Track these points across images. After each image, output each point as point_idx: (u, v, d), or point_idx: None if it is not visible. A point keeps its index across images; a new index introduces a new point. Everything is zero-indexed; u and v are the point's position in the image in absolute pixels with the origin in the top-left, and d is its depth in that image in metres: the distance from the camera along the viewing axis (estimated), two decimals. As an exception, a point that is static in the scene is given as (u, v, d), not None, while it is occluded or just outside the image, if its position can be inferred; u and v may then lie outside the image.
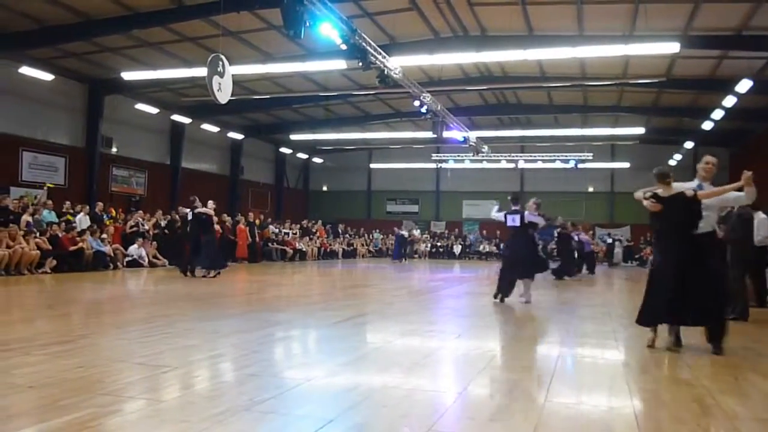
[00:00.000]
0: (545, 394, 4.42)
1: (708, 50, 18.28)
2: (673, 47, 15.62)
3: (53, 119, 21.71)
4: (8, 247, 13.94)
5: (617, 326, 8.12)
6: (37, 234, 15.24)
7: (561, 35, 17.52)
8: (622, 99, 25.34)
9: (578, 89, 24.07)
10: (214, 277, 14.62)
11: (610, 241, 29.79)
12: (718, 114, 21.83)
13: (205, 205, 15.21)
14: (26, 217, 15.74)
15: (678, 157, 31.18)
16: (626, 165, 33.16)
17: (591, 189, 34.93)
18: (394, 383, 4.64)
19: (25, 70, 19.02)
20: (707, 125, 23.81)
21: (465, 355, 6.16)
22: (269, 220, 28.66)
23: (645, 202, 6.61)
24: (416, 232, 36.35)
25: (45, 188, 19.80)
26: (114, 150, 24.31)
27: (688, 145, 29.39)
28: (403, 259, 29.59)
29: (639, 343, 6.90)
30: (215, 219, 16.60)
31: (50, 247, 15.22)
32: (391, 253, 34.56)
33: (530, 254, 10.86)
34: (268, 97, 24.65)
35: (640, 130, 27.90)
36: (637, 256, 29.78)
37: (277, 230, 26.92)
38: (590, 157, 30.90)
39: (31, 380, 4.42)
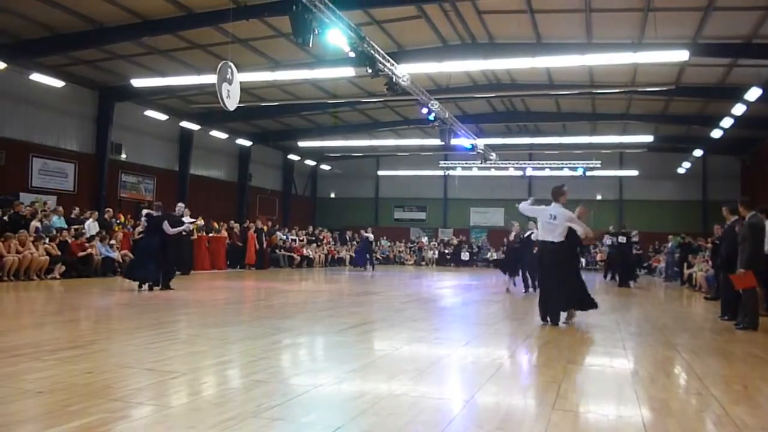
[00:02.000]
0: (553, 402, 4.41)
1: (717, 58, 18.22)
2: (682, 55, 15.58)
3: (63, 126, 21.84)
4: (18, 252, 14.02)
5: (625, 334, 8.09)
6: (47, 240, 15.32)
7: (569, 43, 17.51)
8: (631, 107, 25.28)
9: (586, 97, 24.01)
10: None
11: None
12: (727, 122, 21.72)
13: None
14: (35, 223, 15.83)
15: (687, 165, 31.07)
16: (635, 173, 33.07)
17: (599, 197, 34.79)
18: (401, 391, 4.64)
19: (36, 77, 19.16)
20: (716, 133, 23.70)
21: (473, 362, 6.14)
22: (277, 226, 28.72)
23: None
24: (424, 239, 36.33)
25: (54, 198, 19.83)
26: (123, 156, 24.43)
27: (697, 153, 29.28)
28: (370, 267, 25.93)
29: (648, 352, 6.87)
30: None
31: (59, 253, 15.29)
32: (402, 260, 34.49)
33: None
34: (276, 104, 24.73)
35: (648, 138, 27.82)
36: (645, 264, 29.58)
37: (284, 237, 26.96)
38: (598, 165, 30.80)
39: (41, 385, 4.44)
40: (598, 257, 30.54)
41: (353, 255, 29.80)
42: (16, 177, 19.94)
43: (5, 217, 15.11)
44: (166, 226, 12.90)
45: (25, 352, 5.66)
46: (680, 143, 29.99)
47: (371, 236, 26.56)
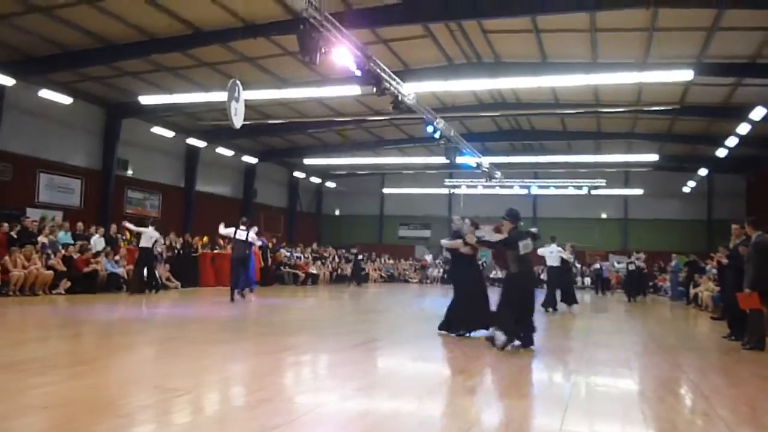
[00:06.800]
0: (560, 422, 4.38)
1: (722, 77, 18.26)
2: (687, 75, 15.64)
3: (71, 142, 21.96)
4: (24, 267, 14.04)
5: (631, 354, 8.04)
6: (52, 255, 15.34)
7: (574, 62, 17.59)
8: (636, 125, 25.31)
9: (591, 116, 24.06)
10: None
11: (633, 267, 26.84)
12: (732, 141, 21.74)
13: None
14: (42, 238, 15.87)
15: (692, 184, 31.04)
16: (640, 192, 33.04)
17: (604, 215, 34.77)
18: (406, 410, 4.62)
19: (45, 93, 19.30)
20: (721, 152, 23.72)
21: (479, 382, 6.12)
22: (283, 243, 28.73)
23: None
24: (428, 258, 36.27)
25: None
26: (129, 172, 24.54)
27: (702, 172, 29.26)
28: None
29: (654, 372, 6.84)
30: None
31: (65, 269, 15.30)
32: (407, 278, 34.29)
33: None
34: (282, 121, 24.84)
35: (653, 157, 27.80)
36: (651, 283, 29.41)
37: (289, 254, 26.94)
38: (603, 184, 30.79)
39: (45, 401, 4.44)
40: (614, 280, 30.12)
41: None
42: (23, 192, 20.03)
43: (12, 233, 15.15)
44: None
45: (30, 366, 5.66)
46: (685, 162, 29.97)
47: (250, 235, 15.18)
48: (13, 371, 5.40)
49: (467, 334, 9.07)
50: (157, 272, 17.43)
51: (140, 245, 16.23)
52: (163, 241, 18.32)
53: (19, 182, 19.94)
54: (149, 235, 16.10)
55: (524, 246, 8.25)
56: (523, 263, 8.30)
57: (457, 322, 9.19)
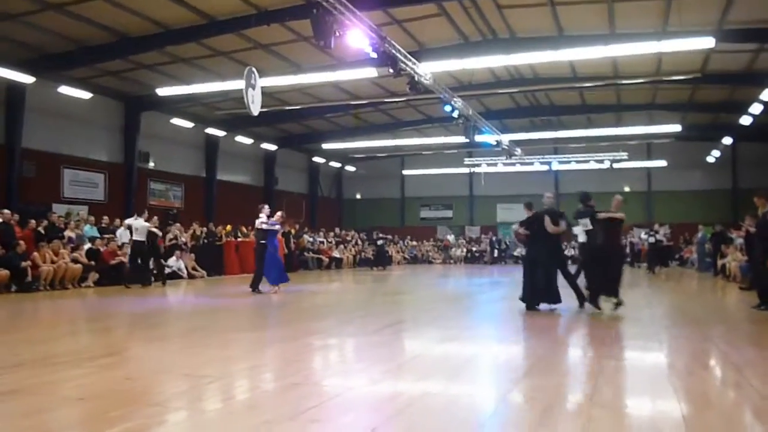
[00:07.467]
0: (590, 397, 4.37)
1: (744, 44, 17.89)
2: (707, 42, 15.31)
3: (92, 137, 22.17)
4: (52, 262, 14.28)
5: (660, 327, 7.99)
6: (79, 249, 15.56)
7: (592, 34, 17.32)
8: (657, 96, 24.92)
9: (611, 88, 23.74)
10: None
11: (653, 240, 27.15)
12: (756, 108, 21.33)
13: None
14: (69, 233, 16.11)
15: (716, 153, 30.54)
16: (663, 163, 32.55)
17: (627, 189, 34.30)
18: (436, 390, 4.64)
19: (64, 90, 19.50)
20: (745, 120, 23.28)
21: (507, 360, 6.12)
22: (306, 229, 28.86)
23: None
24: (450, 237, 36.22)
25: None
26: (151, 165, 24.76)
27: (727, 140, 28.77)
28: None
29: (684, 344, 6.78)
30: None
31: (91, 262, 15.52)
32: (430, 258, 34.30)
33: None
34: (299, 107, 24.84)
35: (676, 128, 27.30)
36: (677, 255, 29.10)
37: (311, 239, 27.07)
38: (625, 157, 30.39)
39: (81, 392, 4.53)
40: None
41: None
42: (48, 188, 20.31)
43: (40, 228, 15.40)
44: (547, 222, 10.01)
45: (64, 359, 5.77)
46: (709, 131, 29.48)
47: (274, 225, 14.13)
48: (48, 364, 5.50)
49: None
50: (179, 263, 17.64)
51: (132, 238, 15.70)
52: (159, 233, 16.95)
53: (44, 179, 20.21)
54: (135, 227, 15.54)
55: (581, 225, 9.74)
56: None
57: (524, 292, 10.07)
